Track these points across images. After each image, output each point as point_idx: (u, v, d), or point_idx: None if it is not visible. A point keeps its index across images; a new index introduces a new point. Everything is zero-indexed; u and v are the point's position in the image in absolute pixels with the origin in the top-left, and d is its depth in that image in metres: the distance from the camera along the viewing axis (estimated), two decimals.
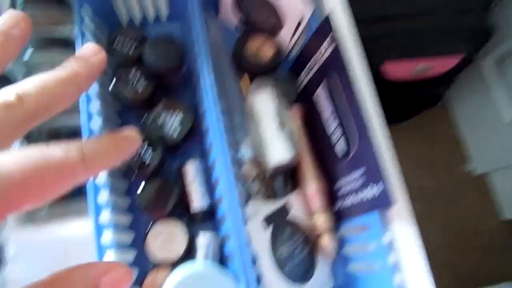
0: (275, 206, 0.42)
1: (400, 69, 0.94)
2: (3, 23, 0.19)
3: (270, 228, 0.41)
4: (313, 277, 0.41)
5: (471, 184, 1.37)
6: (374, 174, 0.35)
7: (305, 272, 0.41)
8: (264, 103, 0.44)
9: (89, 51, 0.22)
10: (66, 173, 0.17)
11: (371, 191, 0.36)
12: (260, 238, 0.40)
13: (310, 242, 0.42)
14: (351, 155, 0.39)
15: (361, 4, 0.87)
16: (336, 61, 0.39)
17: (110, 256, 0.37)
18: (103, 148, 0.19)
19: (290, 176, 0.44)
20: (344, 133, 0.40)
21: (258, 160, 0.42)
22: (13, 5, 0.47)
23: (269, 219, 0.41)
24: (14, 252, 0.42)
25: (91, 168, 0.18)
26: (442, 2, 0.89)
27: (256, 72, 0.48)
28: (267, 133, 0.42)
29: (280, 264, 0.40)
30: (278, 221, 0.41)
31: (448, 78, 1.05)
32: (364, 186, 0.37)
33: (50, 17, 0.48)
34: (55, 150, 0.17)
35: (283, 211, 0.41)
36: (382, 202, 0.35)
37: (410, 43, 0.89)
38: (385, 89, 1.00)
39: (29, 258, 0.42)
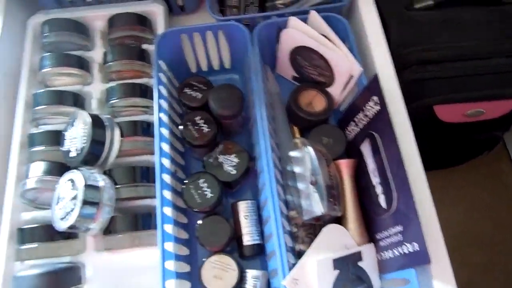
0: (348, 251, 0.43)
1: (451, 112, 0.93)
2: None
3: (338, 270, 0.42)
4: None
5: None
6: (412, 233, 0.37)
7: None
8: (302, 161, 0.47)
9: None
10: None
11: (409, 248, 0.38)
12: (326, 276, 0.42)
13: None
14: (391, 210, 0.41)
15: (413, 47, 0.89)
16: (381, 121, 0.43)
17: (171, 284, 0.42)
18: None
19: None
20: (386, 188, 0.42)
21: (297, 211, 0.46)
22: (104, 61, 0.56)
23: (339, 261, 0.42)
24: (91, 274, 0.48)
25: None
26: (497, 45, 0.87)
27: (308, 123, 0.53)
28: (302, 188, 0.46)
29: None
30: (348, 265, 0.43)
31: (505, 122, 1.02)
32: (402, 242, 0.39)
33: (132, 71, 0.56)
34: None
35: (355, 257, 0.43)
36: (419, 260, 0.37)
37: (461, 86, 0.88)
38: (440, 131, 0.99)
39: (103, 280, 0.48)
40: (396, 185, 0.41)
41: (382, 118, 0.43)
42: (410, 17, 0.82)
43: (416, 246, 0.37)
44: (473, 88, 0.88)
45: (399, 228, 0.40)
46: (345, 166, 0.47)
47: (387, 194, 0.42)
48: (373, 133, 0.44)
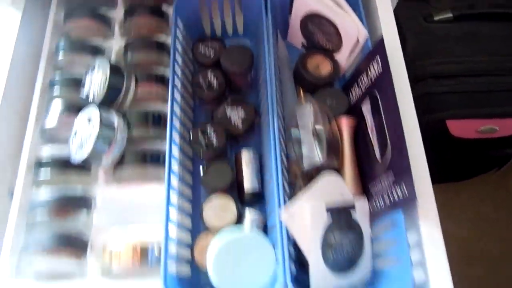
0: (342, 201, 0.46)
1: (464, 128, 0.89)
2: None
3: (331, 218, 0.44)
4: (354, 272, 0.45)
5: None
6: (402, 177, 0.40)
7: (346, 267, 0.45)
8: (305, 114, 0.50)
9: None
10: None
11: (398, 192, 0.41)
12: (318, 222, 0.44)
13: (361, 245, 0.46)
14: (386, 161, 0.44)
15: (428, 59, 0.87)
16: (383, 81, 0.45)
17: (174, 214, 0.45)
18: None
19: None
20: (382, 143, 0.45)
21: (298, 160, 0.49)
22: (125, 18, 0.60)
23: (332, 209, 0.44)
24: (100, 204, 0.52)
25: None
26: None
27: (314, 86, 0.55)
28: (304, 139, 0.49)
29: (325, 249, 0.44)
30: (340, 213, 0.45)
31: None
32: (392, 188, 0.42)
33: (150, 27, 0.60)
34: None
35: (348, 207, 0.45)
36: (407, 200, 0.39)
37: (474, 102, 0.85)
38: (451, 146, 0.97)
39: (110, 210, 0.51)
40: (392, 139, 0.43)
41: (384, 78, 0.45)
42: (428, 29, 0.82)
43: (404, 188, 0.40)
44: (487, 105, 0.83)
45: (391, 177, 0.42)
46: (345, 123, 0.50)
47: (382, 147, 0.45)
48: (375, 91, 0.47)
